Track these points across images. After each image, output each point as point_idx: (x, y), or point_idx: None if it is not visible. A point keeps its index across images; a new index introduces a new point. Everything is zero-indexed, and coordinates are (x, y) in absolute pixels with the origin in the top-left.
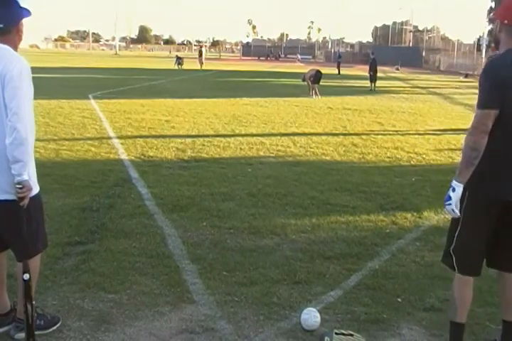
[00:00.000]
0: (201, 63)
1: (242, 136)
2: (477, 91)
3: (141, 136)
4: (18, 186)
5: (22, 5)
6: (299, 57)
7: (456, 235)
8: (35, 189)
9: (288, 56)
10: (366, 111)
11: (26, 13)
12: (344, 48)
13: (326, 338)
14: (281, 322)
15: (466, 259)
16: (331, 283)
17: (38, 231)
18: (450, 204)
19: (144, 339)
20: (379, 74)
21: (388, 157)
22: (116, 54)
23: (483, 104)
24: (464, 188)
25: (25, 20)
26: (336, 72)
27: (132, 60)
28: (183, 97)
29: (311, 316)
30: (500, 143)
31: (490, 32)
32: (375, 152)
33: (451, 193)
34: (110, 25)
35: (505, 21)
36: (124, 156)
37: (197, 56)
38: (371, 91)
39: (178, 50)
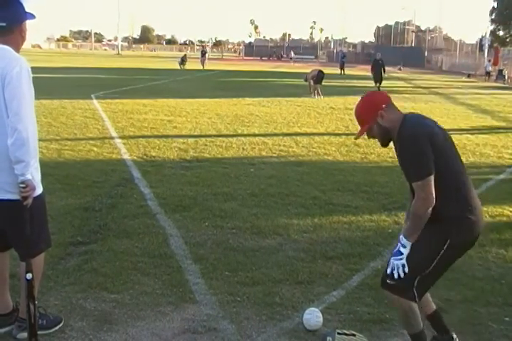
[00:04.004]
0: (203, 63)
1: (245, 136)
2: (479, 91)
3: (143, 136)
4: (21, 185)
5: (26, 9)
6: (293, 55)
7: (423, 275)
8: (39, 189)
9: (295, 56)
10: None
11: (30, 16)
12: (346, 48)
13: (328, 338)
14: (284, 322)
15: (426, 291)
16: (333, 283)
17: (41, 230)
18: (402, 259)
19: (147, 339)
20: None
21: (390, 157)
22: (118, 54)
23: (426, 172)
24: (437, 237)
25: (28, 21)
26: (338, 72)
27: (134, 60)
28: (186, 97)
29: (313, 316)
30: (454, 189)
31: (492, 32)
32: (377, 152)
33: (402, 249)
34: (112, 25)
35: (383, 106)
36: (126, 156)
37: (199, 56)
38: None
39: (180, 50)
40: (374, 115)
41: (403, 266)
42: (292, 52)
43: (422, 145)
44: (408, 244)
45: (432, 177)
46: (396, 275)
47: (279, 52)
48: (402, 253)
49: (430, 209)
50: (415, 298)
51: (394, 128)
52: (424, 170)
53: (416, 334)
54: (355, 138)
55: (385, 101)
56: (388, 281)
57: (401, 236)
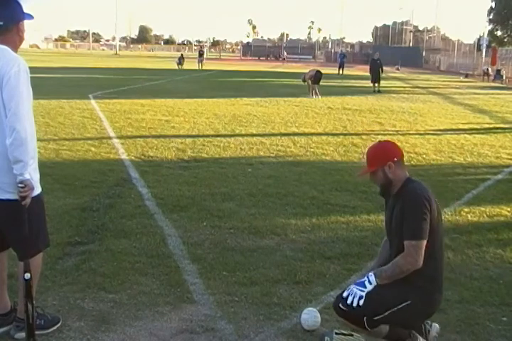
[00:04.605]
0: (200, 63)
1: (242, 136)
2: (477, 91)
3: (141, 136)
4: (20, 185)
5: (25, 10)
6: (285, 56)
7: (372, 319)
8: (37, 189)
9: (288, 56)
10: (366, 111)
11: (28, 16)
12: (344, 48)
13: (326, 338)
14: (282, 322)
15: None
16: (331, 283)
17: (39, 230)
18: (363, 291)
19: (144, 339)
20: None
21: None
22: (116, 54)
23: (424, 234)
24: (401, 293)
25: (26, 21)
26: (336, 71)
27: (132, 60)
28: (183, 97)
29: (311, 316)
30: (438, 261)
31: (490, 32)
32: None
33: (367, 284)
34: (110, 25)
35: (395, 159)
36: (124, 156)
37: (197, 56)
38: (374, 92)
39: (178, 50)
40: (383, 162)
41: (360, 297)
42: (285, 52)
43: (427, 209)
44: (374, 283)
45: (425, 243)
46: (349, 301)
47: (276, 52)
48: (365, 287)
49: (413, 269)
50: (365, 327)
51: (396, 183)
52: (423, 232)
53: (387, 335)
54: (358, 176)
55: (398, 155)
56: (341, 306)
57: (371, 273)
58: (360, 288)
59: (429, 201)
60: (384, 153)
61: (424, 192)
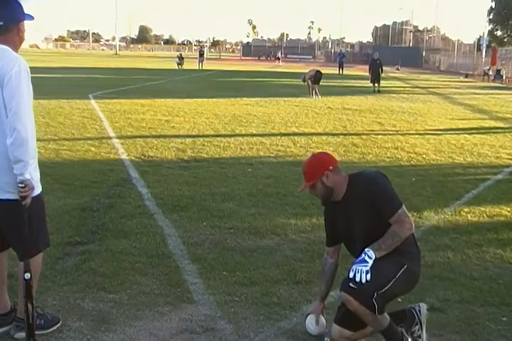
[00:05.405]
0: (200, 63)
1: (242, 136)
2: (477, 91)
3: (141, 136)
4: (20, 185)
5: (25, 10)
6: (280, 56)
7: (380, 293)
8: (38, 189)
9: (288, 56)
10: (366, 111)
11: (29, 17)
12: (344, 48)
13: (326, 339)
14: (282, 322)
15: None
16: None
17: (39, 230)
18: (367, 265)
19: (144, 339)
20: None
21: (388, 157)
22: (116, 54)
23: (400, 201)
24: (396, 261)
25: (26, 21)
26: (337, 71)
27: (132, 60)
28: (183, 97)
29: (314, 321)
30: None
31: (490, 32)
32: (375, 152)
33: (368, 259)
34: (110, 25)
35: (330, 167)
36: (124, 156)
37: (197, 56)
38: (374, 92)
39: (178, 50)
40: (320, 174)
41: (367, 271)
42: (279, 53)
43: (388, 182)
44: (373, 256)
45: (404, 206)
46: (358, 279)
47: (275, 52)
48: (367, 262)
49: (410, 233)
50: (375, 310)
51: (339, 188)
52: (399, 200)
53: (386, 329)
54: (300, 191)
55: (333, 163)
56: (351, 284)
57: (367, 249)
58: (363, 264)
59: (383, 174)
60: (319, 165)
61: (374, 171)
